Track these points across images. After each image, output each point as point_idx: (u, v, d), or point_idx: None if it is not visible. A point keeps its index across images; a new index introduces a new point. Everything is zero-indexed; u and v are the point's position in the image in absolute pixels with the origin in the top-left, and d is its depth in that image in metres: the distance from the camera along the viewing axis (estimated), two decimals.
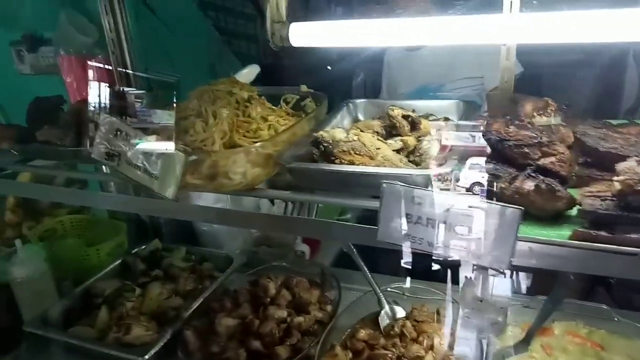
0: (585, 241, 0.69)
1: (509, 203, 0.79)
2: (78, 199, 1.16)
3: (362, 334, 1.26)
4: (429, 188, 0.74)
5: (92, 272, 1.62)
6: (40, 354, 1.38)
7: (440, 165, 0.90)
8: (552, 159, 0.82)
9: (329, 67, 2.45)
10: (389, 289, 1.45)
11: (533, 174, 0.80)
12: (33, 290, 1.46)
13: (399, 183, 0.73)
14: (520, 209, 0.69)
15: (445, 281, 1.49)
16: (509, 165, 0.85)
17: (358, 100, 1.36)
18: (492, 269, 0.72)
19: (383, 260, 2.29)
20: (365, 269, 1.44)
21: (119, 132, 0.89)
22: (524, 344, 1.25)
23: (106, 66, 1.40)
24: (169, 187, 0.88)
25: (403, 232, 0.73)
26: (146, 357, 1.25)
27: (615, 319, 1.26)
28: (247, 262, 1.71)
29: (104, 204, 1.16)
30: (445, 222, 0.71)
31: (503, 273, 0.74)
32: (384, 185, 0.73)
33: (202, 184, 0.96)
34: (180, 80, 1.69)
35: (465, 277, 0.80)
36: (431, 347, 1.17)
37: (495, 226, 0.69)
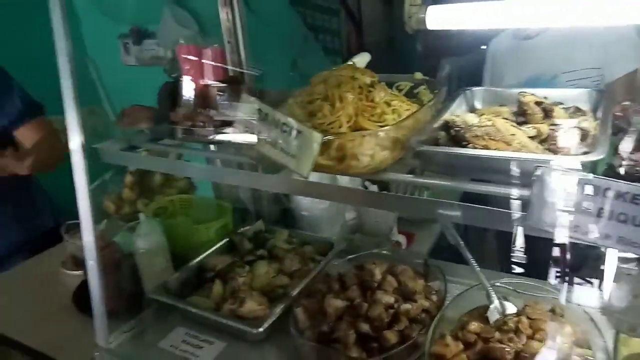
0: None
1: None
2: (204, 173, 1.23)
3: (474, 326, 1.23)
4: (588, 173, 0.70)
5: (201, 249, 1.72)
6: (161, 320, 1.50)
7: (586, 154, 0.86)
8: None
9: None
10: (497, 284, 1.41)
11: None
12: (153, 261, 1.58)
13: (556, 167, 0.70)
14: None
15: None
16: None
17: (475, 88, 1.33)
18: None
19: (487, 255, 2.23)
20: (473, 261, 1.41)
21: (259, 112, 0.94)
22: None
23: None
24: (305, 165, 0.91)
25: (556, 219, 0.71)
26: (260, 329, 1.32)
27: None
28: (346, 248, 1.74)
29: (229, 178, 1.22)
30: (607, 210, 0.67)
31: None
32: (540, 168, 0.71)
33: (332, 165, 0.98)
34: (262, 73, 1.75)
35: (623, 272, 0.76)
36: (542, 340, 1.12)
37: None
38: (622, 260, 0.75)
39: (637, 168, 0.75)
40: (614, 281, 0.77)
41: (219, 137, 1.05)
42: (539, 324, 1.21)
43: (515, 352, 1.11)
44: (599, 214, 0.69)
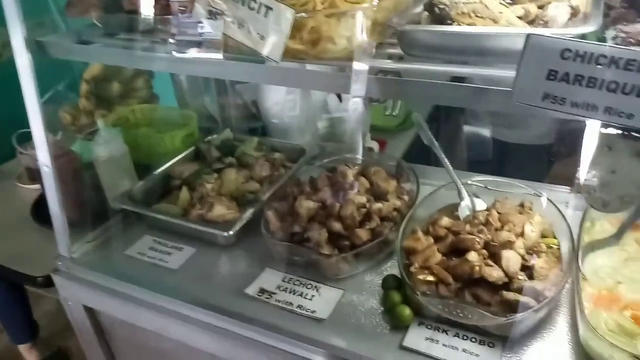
0: None
1: None
2: (166, 64, 1.11)
3: (445, 220, 1.24)
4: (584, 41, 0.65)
5: (167, 159, 1.64)
6: (127, 229, 1.45)
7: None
8: None
9: None
10: (469, 182, 1.41)
11: None
12: (115, 170, 1.50)
13: (549, 34, 0.65)
14: None
15: (528, 178, 1.45)
16: None
17: None
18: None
19: (460, 157, 2.24)
20: (446, 160, 1.40)
21: None
22: (615, 237, 1.20)
23: None
24: (277, 47, 0.82)
25: (544, 91, 0.67)
26: (231, 232, 1.29)
27: None
28: (318, 155, 1.70)
29: (194, 69, 1.11)
30: (597, 79, 0.64)
31: None
32: (530, 37, 0.65)
33: (305, 50, 0.90)
34: None
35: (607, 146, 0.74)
36: (521, 234, 1.14)
37: None
38: (602, 135, 0.73)
39: (630, 39, 0.71)
40: (592, 157, 0.76)
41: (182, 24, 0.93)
42: (508, 217, 1.23)
43: (485, 242, 1.12)
44: (588, 83, 0.65)
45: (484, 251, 1.11)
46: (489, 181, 1.41)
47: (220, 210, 1.33)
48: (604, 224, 1.26)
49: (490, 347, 1.03)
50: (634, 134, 0.72)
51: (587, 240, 1.20)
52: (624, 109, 0.65)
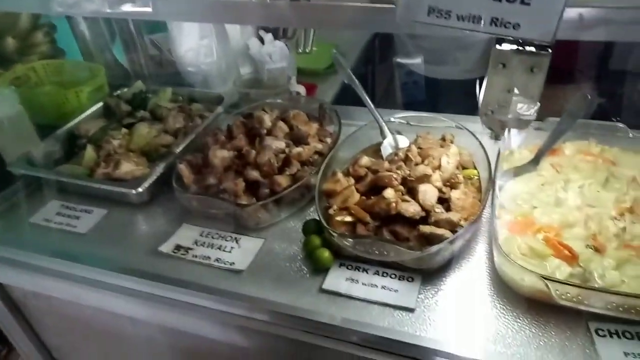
0: None
1: None
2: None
3: (365, 160, 1.20)
4: None
5: (73, 117, 1.51)
6: (32, 195, 1.34)
7: None
8: None
9: None
10: (392, 119, 1.37)
11: None
12: (11, 132, 1.37)
13: None
14: None
15: (461, 112, 1.42)
16: None
17: None
18: (533, 41, 0.61)
19: (395, 97, 2.20)
20: (366, 96, 1.35)
21: None
22: (533, 164, 1.20)
23: None
24: None
25: (429, 5, 0.61)
26: (140, 189, 1.21)
27: (630, 135, 1.21)
28: (239, 102, 1.60)
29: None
30: None
31: (545, 49, 0.63)
32: None
33: None
34: None
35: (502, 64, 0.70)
36: (438, 167, 1.12)
37: None
38: (496, 52, 0.68)
39: None
40: (487, 77, 0.72)
41: None
42: (428, 152, 1.20)
43: (402, 178, 1.09)
44: None
45: (401, 187, 1.08)
46: (412, 117, 1.37)
47: (128, 167, 1.23)
48: (523, 152, 1.26)
49: (409, 281, 1.02)
50: (527, 48, 0.68)
51: (506, 169, 1.19)
52: (510, 18, 0.60)
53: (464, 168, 1.22)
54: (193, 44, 1.62)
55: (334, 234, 1.01)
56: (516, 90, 0.69)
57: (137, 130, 1.39)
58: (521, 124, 0.72)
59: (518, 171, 1.19)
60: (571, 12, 0.60)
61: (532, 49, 0.67)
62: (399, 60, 2.21)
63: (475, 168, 1.23)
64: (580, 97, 1.23)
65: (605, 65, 2.65)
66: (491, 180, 1.11)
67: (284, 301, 1.00)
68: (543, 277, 0.87)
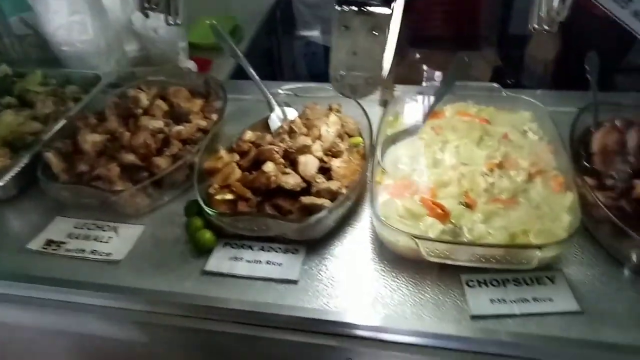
0: None
1: None
2: None
3: (248, 135, 1.17)
4: None
5: None
6: None
7: None
8: None
9: None
10: (279, 91, 1.33)
11: None
12: None
13: None
14: None
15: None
16: None
17: None
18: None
19: (292, 68, 2.16)
20: (250, 69, 1.30)
21: None
22: (414, 128, 1.23)
23: None
24: None
25: None
26: (0, 183, 1.10)
27: (504, 94, 1.26)
28: (120, 81, 1.49)
29: None
30: None
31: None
32: None
33: None
34: None
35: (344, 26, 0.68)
36: (319, 137, 1.11)
37: None
38: (337, 14, 0.67)
39: None
40: (333, 40, 0.70)
41: None
42: (314, 122, 1.18)
43: (284, 150, 1.07)
44: None
45: (282, 160, 1.06)
46: (298, 88, 1.34)
47: None
48: (407, 116, 1.28)
49: (294, 253, 1.01)
50: (367, 8, 0.66)
51: (389, 134, 1.21)
52: None
53: (350, 136, 1.22)
54: (63, 21, 1.48)
55: (211, 213, 0.98)
56: (361, 52, 0.68)
57: (1, 118, 1.26)
58: (369, 88, 0.71)
59: (401, 135, 1.21)
60: None
61: (373, 9, 0.66)
62: (298, 31, 2.17)
63: (361, 136, 1.23)
64: (459, 60, 1.26)
65: (505, 29, 2.76)
66: (371, 146, 1.12)
67: (164, 288, 0.96)
68: (413, 236, 0.89)
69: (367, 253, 1.01)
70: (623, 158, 1.04)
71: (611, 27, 0.77)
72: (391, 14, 0.64)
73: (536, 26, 0.87)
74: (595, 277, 0.93)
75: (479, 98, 1.28)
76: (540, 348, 0.82)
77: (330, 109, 1.27)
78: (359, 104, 1.24)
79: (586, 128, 1.16)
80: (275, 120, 1.27)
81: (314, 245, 1.03)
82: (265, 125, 1.29)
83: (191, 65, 1.70)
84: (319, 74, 2.17)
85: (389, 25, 0.66)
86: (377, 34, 0.65)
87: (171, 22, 1.15)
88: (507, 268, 0.88)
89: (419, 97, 1.29)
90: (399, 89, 1.39)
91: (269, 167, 1.03)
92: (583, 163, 1.08)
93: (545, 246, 0.85)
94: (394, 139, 1.20)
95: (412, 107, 1.29)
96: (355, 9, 0.65)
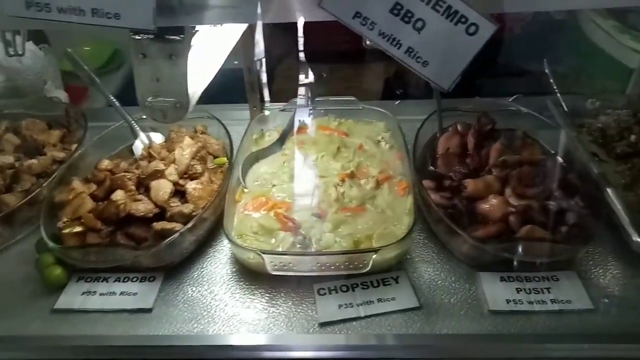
0: None
1: None
2: None
3: (105, 163, 1.14)
4: None
5: None
6: None
7: None
8: None
9: None
10: (144, 117, 1.32)
11: None
12: None
13: None
14: None
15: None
16: None
17: None
18: (136, 29, 0.60)
19: None
20: (108, 95, 1.28)
21: None
22: (278, 144, 1.26)
23: None
24: None
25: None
26: None
27: (361, 107, 1.33)
28: None
29: None
30: None
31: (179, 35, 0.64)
32: None
33: None
34: None
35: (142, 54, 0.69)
36: (174, 161, 1.11)
37: None
38: (133, 42, 0.68)
39: None
40: (134, 68, 0.71)
41: None
42: (174, 145, 1.18)
43: (137, 176, 1.06)
44: None
45: (132, 187, 1.05)
46: None
47: None
48: (273, 133, 1.31)
49: (150, 281, 1.00)
50: (164, 36, 0.68)
51: (254, 151, 1.23)
52: (110, 9, 0.59)
53: (215, 157, 1.23)
54: None
55: (53, 247, 0.94)
56: (164, 78, 0.69)
57: None
58: (179, 112, 0.73)
59: (265, 153, 1.24)
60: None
61: (170, 36, 0.68)
62: None
63: (227, 156, 1.25)
64: (319, 77, 1.32)
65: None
66: (229, 165, 1.14)
67: (8, 333, 0.91)
68: (258, 252, 0.91)
69: (226, 273, 1.02)
70: (461, 160, 1.13)
71: None
72: (184, 39, 0.66)
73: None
74: (436, 273, 0.99)
75: (339, 112, 1.34)
76: (377, 347, 0.87)
77: (195, 131, 1.28)
78: (221, 123, 1.25)
79: (435, 133, 1.24)
80: (139, 146, 1.26)
81: (173, 270, 1.02)
82: (131, 152, 1.27)
83: (62, 94, 1.64)
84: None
85: (185, 51, 0.68)
86: (174, 59, 0.67)
87: (12, 52, 1.11)
88: (346, 274, 0.92)
89: (284, 114, 1.33)
90: (269, 107, 1.42)
91: (117, 195, 1.01)
92: (429, 167, 1.16)
93: (378, 249, 0.90)
94: (257, 156, 1.22)
95: (278, 124, 1.32)
96: (151, 36, 0.66)
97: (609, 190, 1.00)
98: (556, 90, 1.21)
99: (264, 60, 1.38)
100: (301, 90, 1.52)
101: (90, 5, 0.59)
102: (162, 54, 0.68)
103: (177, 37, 0.67)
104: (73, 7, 0.59)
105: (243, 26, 1.06)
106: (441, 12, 0.55)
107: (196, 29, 0.72)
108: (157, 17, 0.60)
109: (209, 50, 0.83)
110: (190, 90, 0.74)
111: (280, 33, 1.91)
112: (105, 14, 0.59)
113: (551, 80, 1.22)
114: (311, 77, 1.75)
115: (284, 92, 1.75)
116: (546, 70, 1.22)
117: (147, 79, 0.70)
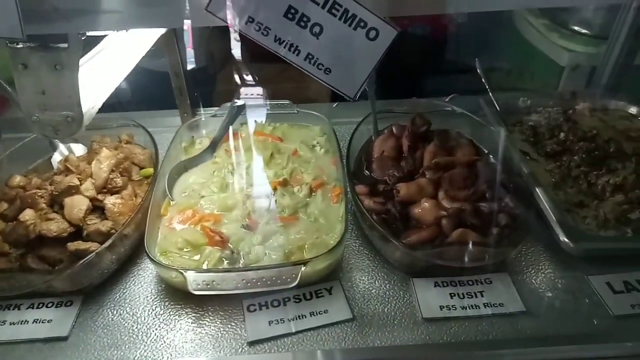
0: None
1: None
2: None
3: (17, 179, 1.06)
4: None
5: None
6: None
7: None
8: None
9: None
10: None
11: None
12: None
13: None
14: None
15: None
16: None
17: None
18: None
19: None
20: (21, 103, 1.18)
21: None
22: (209, 152, 1.20)
23: None
24: None
25: None
26: None
27: (296, 111, 1.29)
28: None
29: None
30: None
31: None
32: None
33: None
34: None
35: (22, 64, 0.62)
36: (91, 175, 1.03)
37: None
38: (11, 52, 0.61)
39: None
40: (15, 81, 0.64)
41: None
42: (94, 156, 1.10)
43: (51, 193, 0.98)
44: None
45: (45, 205, 0.97)
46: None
47: None
48: (204, 141, 1.25)
49: (67, 306, 0.92)
50: (51, 44, 0.61)
51: (182, 160, 1.17)
52: None
53: (141, 168, 1.16)
54: None
55: None
56: (50, 90, 0.63)
57: None
58: (73, 125, 0.66)
59: (194, 162, 1.18)
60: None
61: (53, 44, 0.61)
62: None
63: (153, 166, 1.18)
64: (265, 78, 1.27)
65: None
66: (153, 177, 1.07)
67: None
68: (178, 270, 0.85)
69: (150, 293, 0.96)
70: (396, 163, 1.11)
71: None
72: (69, 47, 0.60)
73: None
74: (371, 282, 0.97)
75: (275, 116, 1.30)
76: None
77: (120, 141, 1.21)
78: (147, 132, 1.19)
79: (370, 136, 1.22)
80: (57, 159, 1.17)
81: (92, 293, 0.95)
82: (51, 166, 1.19)
83: None
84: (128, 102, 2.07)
85: (72, 60, 0.61)
86: (60, 69, 0.61)
87: None
88: (274, 289, 0.88)
89: (216, 120, 1.27)
90: (201, 112, 1.35)
91: (26, 215, 0.93)
92: (364, 171, 1.13)
93: (307, 262, 0.86)
94: (186, 166, 1.16)
95: (210, 130, 1.27)
96: (31, 45, 0.60)
97: (537, 190, 1.00)
98: (488, 90, 1.21)
99: (192, 62, 1.32)
100: (243, 92, 1.47)
101: None
102: (45, 63, 0.62)
103: (61, 45, 0.61)
104: None
105: (155, 31, 1.00)
106: (338, 16, 0.51)
107: (88, 34, 0.66)
108: (29, 24, 0.53)
109: (114, 56, 0.77)
110: (88, 103, 0.68)
111: (220, 34, 1.85)
112: None
113: (483, 80, 1.21)
114: (251, 79, 1.71)
115: (225, 94, 1.70)
116: (478, 70, 1.22)
117: (31, 91, 0.63)
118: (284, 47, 0.53)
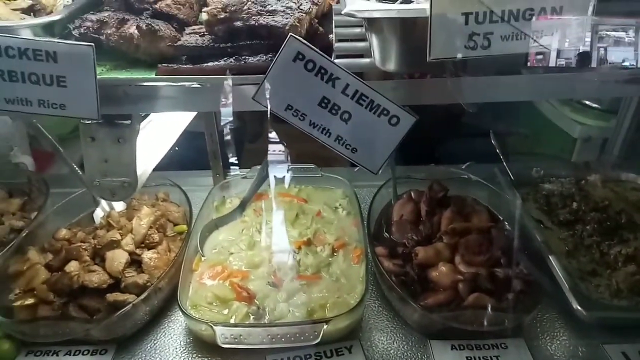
0: (170, 74, 0.65)
1: (116, 49, 0.72)
2: None
3: (63, 232, 1.15)
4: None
5: None
6: None
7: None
8: (169, 1, 0.75)
9: None
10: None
11: (144, 18, 0.73)
12: None
13: None
14: (91, 45, 0.61)
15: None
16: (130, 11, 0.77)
17: None
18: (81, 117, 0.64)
19: None
20: (68, 161, 1.30)
21: None
22: (238, 211, 1.28)
23: None
24: None
25: None
26: None
27: (320, 174, 1.37)
28: None
29: None
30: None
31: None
32: None
33: None
34: None
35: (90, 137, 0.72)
36: (131, 230, 1.12)
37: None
38: (82, 127, 0.71)
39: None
40: (83, 150, 0.74)
41: None
42: (133, 213, 1.19)
43: (93, 246, 1.07)
44: None
45: (88, 258, 1.05)
46: None
47: None
48: (234, 200, 1.34)
49: (102, 354, 0.98)
50: (117, 121, 0.72)
51: (214, 219, 1.25)
52: (55, 100, 0.63)
53: (175, 224, 1.25)
54: None
55: (2, 322, 0.93)
56: (111, 160, 0.73)
57: None
58: (127, 191, 0.75)
59: (224, 220, 1.26)
60: None
61: (118, 121, 0.72)
62: None
63: (187, 223, 1.26)
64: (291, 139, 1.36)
65: None
66: (186, 234, 1.15)
67: None
68: (208, 324, 0.91)
69: (180, 345, 1.01)
70: (414, 227, 1.17)
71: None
72: (131, 124, 0.70)
73: None
74: (389, 342, 1.00)
75: (299, 179, 1.38)
76: None
77: (157, 198, 1.30)
78: (182, 191, 1.28)
79: (390, 200, 1.28)
80: (99, 214, 1.27)
81: (126, 342, 1.01)
82: (93, 220, 1.28)
83: (28, 160, 1.65)
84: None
85: (132, 135, 0.71)
86: (121, 142, 0.71)
87: None
88: (297, 345, 0.92)
89: (247, 181, 1.36)
90: (232, 173, 1.45)
91: (71, 266, 1.02)
92: (384, 234, 1.19)
93: (329, 320, 0.91)
94: (217, 224, 1.24)
95: (240, 190, 1.36)
96: (99, 121, 0.70)
97: (551, 257, 1.04)
98: (502, 160, 1.27)
99: (229, 125, 1.43)
100: (271, 154, 1.57)
101: (36, 97, 0.63)
102: (110, 137, 0.72)
103: (125, 122, 0.71)
104: (20, 98, 0.63)
105: None
106: (364, 106, 0.60)
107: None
108: (103, 106, 0.64)
109: (162, 127, 0.87)
110: (140, 169, 0.78)
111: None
112: (51, 104, 0.63)
113: (497, 151, 1.28)
114: (278, 141, 1.81)
115: (254, 154, 1.80)
116: (492, 141, 1.29)
117: (96, 160, 0.73)
118: (317, 130, 0.62)
